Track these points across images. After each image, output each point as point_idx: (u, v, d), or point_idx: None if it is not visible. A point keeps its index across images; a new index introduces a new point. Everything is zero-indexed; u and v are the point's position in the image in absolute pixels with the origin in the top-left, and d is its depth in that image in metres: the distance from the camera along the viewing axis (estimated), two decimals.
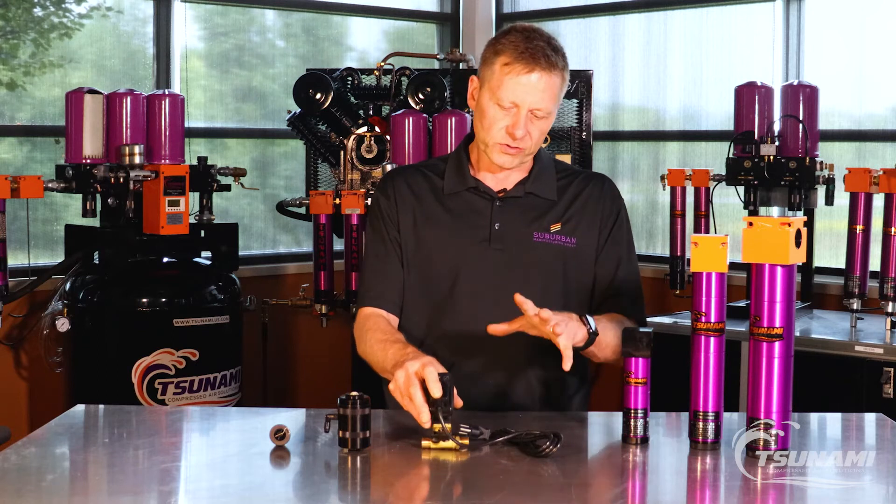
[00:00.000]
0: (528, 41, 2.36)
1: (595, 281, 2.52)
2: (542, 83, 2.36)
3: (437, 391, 2.06)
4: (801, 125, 4.37)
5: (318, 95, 4.53)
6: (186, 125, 4.53)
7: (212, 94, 5.53)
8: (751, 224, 2.00)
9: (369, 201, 4.31)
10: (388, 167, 4.32)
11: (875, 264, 4.14)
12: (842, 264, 4.24)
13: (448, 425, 2.06)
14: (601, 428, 2.39)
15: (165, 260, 4.41)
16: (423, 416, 2.07)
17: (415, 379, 2.09)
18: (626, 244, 2.56)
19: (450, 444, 2.08)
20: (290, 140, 5.39)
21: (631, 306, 2.51)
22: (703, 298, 2.07)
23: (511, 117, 2.38)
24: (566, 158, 4.68)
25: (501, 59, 2.38)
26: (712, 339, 2.08)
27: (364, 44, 6.02)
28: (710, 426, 2.10)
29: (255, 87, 5.62)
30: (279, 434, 2.14)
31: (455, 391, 2.10)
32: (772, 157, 4.36)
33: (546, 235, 2.48)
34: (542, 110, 2.38)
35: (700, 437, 2.10)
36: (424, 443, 2.10)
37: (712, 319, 2.07)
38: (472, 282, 2.46)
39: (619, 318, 2.44)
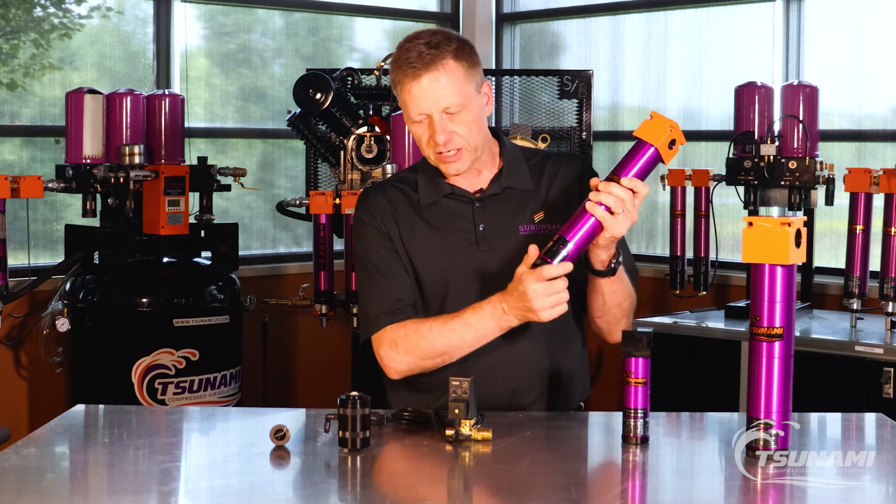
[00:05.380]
0: (405, 52, 2.34)
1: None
2: (433, 82, 2.32)
3: None
4: (801, 125, 4.37)
5: (318, 95, 4.52)
6: (188, 125, 4.53)
7: (216, 94, 5.53)
8: (751, 224, 2.00)
9: None
10: (388, 167, 4.32)
11: (875, 264, 4.14)
12: (842, 264, 4.24)
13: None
14: (601, 428, 2.38)
15: (165, 260, 4.41)
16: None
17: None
18: None
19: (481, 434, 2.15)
20: (295, 140, 5.38)
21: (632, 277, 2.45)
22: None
23: (427, 128, 2.36)
24: None
25: (395, 82, 2.37)
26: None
27: (367, 44, 6.02)
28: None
29: (259, 87, 5.62)
30: (279, 434, 2.14)
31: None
32: (772, 157, 4.36)
33: (532, 227, 2.44)
34: (451, 106, 2.34)
35: None
36: (449, 432, 2.14)
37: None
38: (465, 286, 2.41)
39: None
